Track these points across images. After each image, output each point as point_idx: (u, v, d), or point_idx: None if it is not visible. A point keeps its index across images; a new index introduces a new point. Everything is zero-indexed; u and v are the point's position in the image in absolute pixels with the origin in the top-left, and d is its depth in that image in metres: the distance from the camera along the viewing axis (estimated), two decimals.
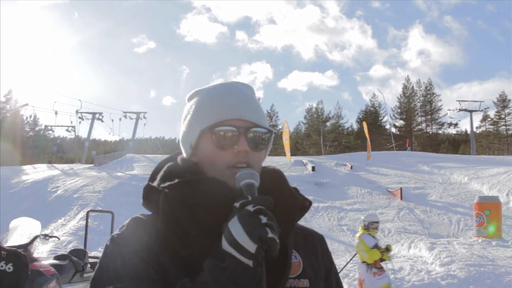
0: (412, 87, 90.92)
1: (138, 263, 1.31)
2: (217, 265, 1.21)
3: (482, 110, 69.57)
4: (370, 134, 39.98)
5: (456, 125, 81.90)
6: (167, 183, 1.43)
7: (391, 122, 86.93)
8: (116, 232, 1.42)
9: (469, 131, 71.04)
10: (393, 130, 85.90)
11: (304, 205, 1.53)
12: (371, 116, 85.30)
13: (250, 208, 1.23)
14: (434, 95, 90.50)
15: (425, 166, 33.64)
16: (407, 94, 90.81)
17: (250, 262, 1.19)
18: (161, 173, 1.50)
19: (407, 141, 67.12)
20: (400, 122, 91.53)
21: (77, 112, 59.00)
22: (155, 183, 1.48)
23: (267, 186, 1.46)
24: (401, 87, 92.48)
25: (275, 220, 1.23)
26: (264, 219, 1.21)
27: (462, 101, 67.96)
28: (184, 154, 1.57)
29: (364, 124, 40.81)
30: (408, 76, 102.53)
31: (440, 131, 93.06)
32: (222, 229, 1.26)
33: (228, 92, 1.50)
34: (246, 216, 1.21)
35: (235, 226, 1.20)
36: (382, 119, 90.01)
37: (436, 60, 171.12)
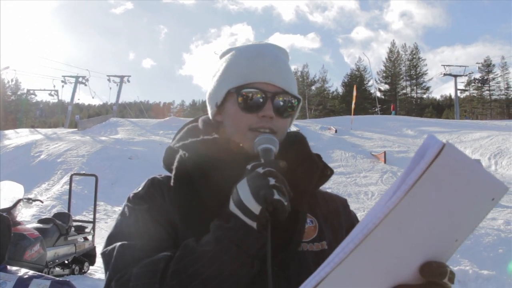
0: (398, 52, 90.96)
1: (150, 222, 1.33)
2: (221, 225, 1.20)
3: (466, 75, 69.80)
4: (356, 98, 39.97)
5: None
6: (181, 143, 1.45)
7: (376, 86, 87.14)
8: (133, 191, 1.45)
9: (453, 95, 71.35)
10: (378, 94, 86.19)
11: (324, 173, 1.51)
12: (356, 80, 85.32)
13: (260, 170, 1.21)
14: (420, 60, 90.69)
15: (409, 130, 33.86)
16: (393, 59, 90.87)
17: (254, 224, 1.17)
18: (181, 133, 1.52)
19: (391, 105, 67.34)
20: (385, 87, 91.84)
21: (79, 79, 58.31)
22: (172, 143, 1.51)
23: (286, 150, 1.43)
24: (384, 51, 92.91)
25: (285, 183, 1.19)
26: (272, 181, 1.17)
27: (447, 65, 68.03)
28: (209, 112, 1.55)
29: (354, 88, 40.74)
30: (393, 40, 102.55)
31: (424, 96, 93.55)
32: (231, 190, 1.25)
33: (260, 54, 1.46)
34: (255, 178, 1.19)
35: (242, 187, 1.19)
36: (367, 83, 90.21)
37: (418, 22, 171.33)
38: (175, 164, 1.44)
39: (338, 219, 1.56)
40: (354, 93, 39.44)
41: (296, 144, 1.53)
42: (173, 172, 1.44)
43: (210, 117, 1.54)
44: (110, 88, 61.93)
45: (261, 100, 1.40)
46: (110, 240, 1.34)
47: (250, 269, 1.20)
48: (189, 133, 1.50)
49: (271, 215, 1.15)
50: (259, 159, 1.28)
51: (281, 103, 1.42)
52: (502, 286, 7.81)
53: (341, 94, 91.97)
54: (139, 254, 1.25)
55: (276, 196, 1.14)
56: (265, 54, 1.46)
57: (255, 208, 1.15)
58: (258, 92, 1.40)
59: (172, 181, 1.42)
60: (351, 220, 1.62)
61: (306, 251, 1.40)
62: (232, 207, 1.20)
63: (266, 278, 1.17)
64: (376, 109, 66.78)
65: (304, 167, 1.47)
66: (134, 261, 1.24)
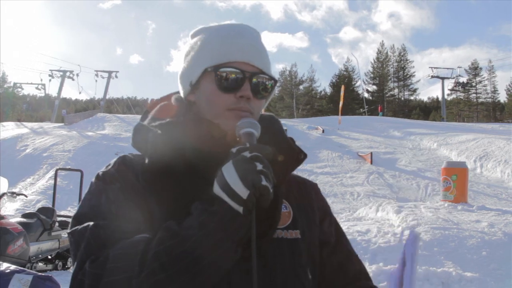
0: (386, 52, 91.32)
1: (123, 201, 1.28)
2: (205, 209, 1.17)
3: (454, 78, 70.20)
4: (343, 98, 40.12)
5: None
6: (158, 122, 1.39)
7: (363, 87, 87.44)
8: (101, 169, 1.38)
9: (440, 97, 71.84)
10: (366, 95, 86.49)
11: (298, 157, 1.49)
12: (344, 80, 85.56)
13: (247, 154, 1.19)
14: (408, 61, 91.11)
15: (396, 131, 33.98)
16: (381, 59, 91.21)
17: (240, 209, 1.15)
18: (153, 112, 1.46)
19: (379, 106, 67.59)
20: (372, 87, 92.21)
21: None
22: (145, 122, 1.44)
23: (263, 133, 1.39)
24: (372, 51, 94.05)
25: (271, 169, 1.19)
26: (259, 166, 1.16)
27: (434, 68, 68.49)
28: (181, 92, 1.51)
29: (342, 88, 40.86)
30: (382, 41, 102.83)
31: (412, 97, 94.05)
32: (215, 172, 1.22)
33: (239, 34, 1.44)
34: (242, 162, 1.17)
35: (229, 170, 1.16)
36: (355, 84, 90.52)
37: (406, 23, 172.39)
38: (151, 143, 1.37)
39: (311, 205, 1.56)
40: (342, 93, 39.56)
41: (274, 128, 1.51)
42: (149, 152, 1.37)
43: (183, 96, 1.51)
44: (96, 81, 61.53)
45: (239, 80, 1.38)
46: (78, 219, 1.28)
47: (233, 255, 1.19)
48: (163, 112, 1.45)
49: (256, 201, 1.15)
50: (242, 144, 1.26)
51: (259, 84, 1.41)
52: None
53: (329, 94, 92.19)
54: (115, 235, 1.20)
55: (264, 182, 1.14)
56: (243, 34, 1.45)
57: (243, 192, 1.13)
58: (237, 72, 1.38)
59: (146, 160, 1.37)
60: (325, 206, 1.64)
61: (281, 238, 1.40)
62: (217, 190, 1.17)
63: (245, 265, 1.19)
64: (364, 110, 66.91)
65: (283, 152, 1.43)
66: (110, 242, 1.18)
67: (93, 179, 1.37)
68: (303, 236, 1.47)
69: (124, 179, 1.33)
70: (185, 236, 1.14)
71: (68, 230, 1.30)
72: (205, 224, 1.15)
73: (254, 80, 1.40)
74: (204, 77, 1.41)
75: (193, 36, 1.53)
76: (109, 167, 1.38)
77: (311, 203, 1.57)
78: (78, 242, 1.23)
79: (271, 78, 1.44)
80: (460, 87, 73.48)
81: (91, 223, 1.23)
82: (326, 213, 1.62)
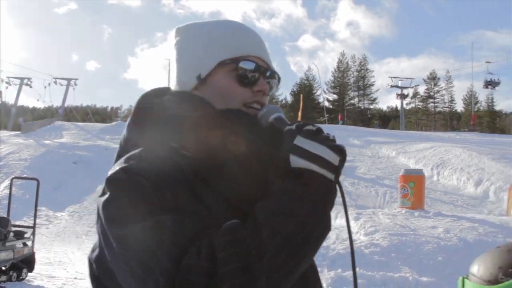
0: (347, 62, 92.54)
1: (178, 193, 1.09)
2: (296, 184, 1.08)
3: (412, 87, 71.46)
4: (304, 107, 40.46)
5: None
6: (201, 111, 1.27)
7: (324, 96, 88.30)
8: (124, 164, 1.14)
9: (399, 107, 73.05)
10: (326, 103, 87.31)
11: None
12: (305, 89, 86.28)
13: (311, 127, 1.14)
14: (368, 71, 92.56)
15: (355, 140, 34.33)
16: (342, 69, 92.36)
17: (332, 176, 1.11)
18: (176, 104, 1.31)
19: (339, 115, 68.30)
20: (333, 96, 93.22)
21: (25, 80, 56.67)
22: (178, 111, 1.29)
23: None
24: (331, 59, 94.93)
25: None
26: (330, 136, 1.14)
27: (394, 77, 69.67)
28: (182, 86, 1.38)
29: (301, 97, 41.23)
30: (343, 51, 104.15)
31: (371, 106, 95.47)
32: (279, 151, 1.14)
33: (248, 29, 1.43)
34: (314, 134, 1.12)
35: (307, 142, 1.10)
36: (315, 93, 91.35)
37: (365, 31, 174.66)
38: (193, 136, 1.22)
39: None
40: (301, 102, 39.92)
41: None
42: (195, 142, 1.21)
43: (182, 90, 1.39)
44: (45, 87, 60.43)
45: (257, 74, 1.35)
46: (114, 223, 1.08)
47: (330, 226, 1.12)
48: (193, 103, 1.32)
49: None
50: (276, 129, 1.22)
51: (271, 80, 1.40)
52: None
53: (290, 102, 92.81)
54: (197, 229, 1.05)
55: (345, 148, 1.14)
56: (250, 29, 1.44)
57: (334, 158, 1.10)
58: (255, 66, 1.35)
59: (192, 151, 1.19)
60: None
61: None
62: (303, 163, 1.09)
63: None
64: (324, 119, 67.44)
65: None
66: (197, 235, 1.03)
67: (117, 175, 1.13)
68: None
69: (168, 170, 1.13)
70: (293, 210, 1.05)
71: (120, 230, 1.07)
72: (306, 197, 1.07)
73: (267, 75, 1.39)
74: (218, 70, 1.34)
75: (184, 31, 1.44)
76: (137, 160, 1.14)
77: None
78: (151, 241, 1.02)
79: (278, 75, 1.44)
80: (399, 97, 73.47)
81: (168, 216, 1.04)
82: None
